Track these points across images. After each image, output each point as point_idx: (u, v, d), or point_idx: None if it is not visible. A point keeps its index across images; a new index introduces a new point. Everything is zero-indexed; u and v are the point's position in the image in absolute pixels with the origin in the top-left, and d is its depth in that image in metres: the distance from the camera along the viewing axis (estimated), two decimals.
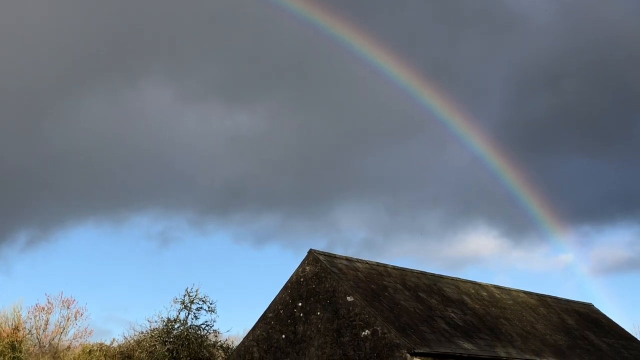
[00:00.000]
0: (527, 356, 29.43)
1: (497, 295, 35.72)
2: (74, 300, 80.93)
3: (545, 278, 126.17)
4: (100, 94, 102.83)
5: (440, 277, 33.62)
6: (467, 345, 27.11)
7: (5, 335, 55.34)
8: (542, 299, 39.51)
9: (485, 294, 34.89)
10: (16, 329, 59.22)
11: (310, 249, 28.07)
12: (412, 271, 32.18)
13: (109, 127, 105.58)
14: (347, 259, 29.35)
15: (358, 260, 29.86)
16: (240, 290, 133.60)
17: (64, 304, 76.85)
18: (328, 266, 27.46)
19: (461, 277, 35.05)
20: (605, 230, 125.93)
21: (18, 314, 65.01)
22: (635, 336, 44.18)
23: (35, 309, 72.68)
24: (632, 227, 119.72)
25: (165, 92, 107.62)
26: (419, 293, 30.15)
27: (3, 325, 60.68)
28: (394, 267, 31.42)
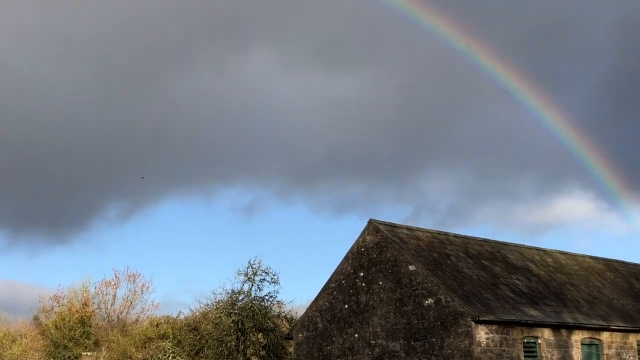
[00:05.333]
0: (595, 321, 28.89)
1: (562, 261, 35.10)
2: (139, 274, 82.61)
3: (627, 243, 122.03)
4: (201, 64, 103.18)
5: (504, 244, 33.16)
6: (532, 311, 26.74)
7: (75, 311, 56.96)
8: (609, 263, 38.69)
9: (550, 260, 34.32)
10: (85, 304, 60.84)
11: (370, 219, 27.96)
12: (474, 239, 31.82)
13: (209, 100, 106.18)
14: (408, 227, 29.15)
15: (419, 229, 29.64)
16: (316, 260, 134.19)
17: (130, 278, 78.56)
18: (389, 235, 27.32)
19: (526, 244, 34.51)
20: None
21: (86, 289, 66.67)
22: None
23: (102, 284, 74.48)
24: None
25: (267, 59, 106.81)
26: (482, 261, 29.81)
27: (73, 300, 62.40)
28: (455, 236, 31.11)
